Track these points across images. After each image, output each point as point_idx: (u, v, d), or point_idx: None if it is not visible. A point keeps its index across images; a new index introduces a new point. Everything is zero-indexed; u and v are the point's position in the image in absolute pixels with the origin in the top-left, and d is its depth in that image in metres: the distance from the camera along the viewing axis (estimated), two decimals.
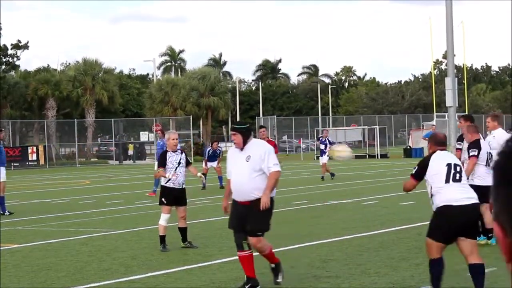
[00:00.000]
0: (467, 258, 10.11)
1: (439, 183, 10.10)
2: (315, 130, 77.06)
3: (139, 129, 78.44)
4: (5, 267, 13.43)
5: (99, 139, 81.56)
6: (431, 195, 10.28)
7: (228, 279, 12.32)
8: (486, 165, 15.26)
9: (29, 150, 61.63)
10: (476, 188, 15.07)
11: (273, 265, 11.63)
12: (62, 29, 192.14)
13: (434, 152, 10.51)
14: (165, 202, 15.39)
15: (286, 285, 11.73)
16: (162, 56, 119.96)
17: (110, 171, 52.86)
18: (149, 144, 72.96)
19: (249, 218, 11.10)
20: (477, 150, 14.95)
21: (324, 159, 35.91)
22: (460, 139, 16.08)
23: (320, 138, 38.07)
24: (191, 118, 72.37)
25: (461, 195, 10.09)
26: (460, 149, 15.82)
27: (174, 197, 15.49)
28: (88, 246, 16.66)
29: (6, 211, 22.85)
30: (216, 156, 33.28)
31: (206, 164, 33.30)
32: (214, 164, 33.14)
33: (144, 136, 75.76)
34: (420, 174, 10.38)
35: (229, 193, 11.62)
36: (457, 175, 10.11)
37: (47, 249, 16.14)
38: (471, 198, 10.18)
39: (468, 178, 14.92)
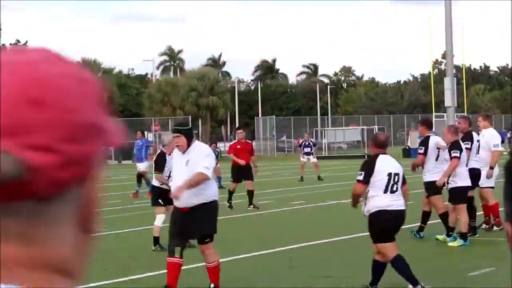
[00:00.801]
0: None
1: (377, 190, 10.67)
2: (314, 130, 77.05)
3: (138, 129, 78.48)
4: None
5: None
6: (365, 197, 10.80)
7: (227, 279, 12.28)
8: (466, 165, 15.46)
9: None
10: (457, 188, 15.25)
11: (212, 285, 10.99)
12: (61, 29, 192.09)
13: (377, 155, 10.94)
14: (162, 203, 15.36)
15: (285, 285, 11.71)
16: (161, 56, 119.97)
17: (109, 171, 52.70)
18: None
19: (192, 225, 10.65)
20: (459, 151, 15.17)
21: (309, 158, 36.59)
22: (466, 138, 16.07)
23: (303, 143, 38.08)
24: (190, 118, 72.28)
25: (393, 202, 10.75)
26: (469, 149, 15.85)
27: (168, 197, 15.48)
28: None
29: None
30: (215, 157, 33.23)
31: None
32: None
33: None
34: (368, 178, 10.72)
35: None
36: (395, 186, 10.76)
37: None
38: (401, 205, 10.83)
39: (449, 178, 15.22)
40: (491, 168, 16.15)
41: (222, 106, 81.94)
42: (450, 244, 15.22)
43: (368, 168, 10.80)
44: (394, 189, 10.72)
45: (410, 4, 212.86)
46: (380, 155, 10.95)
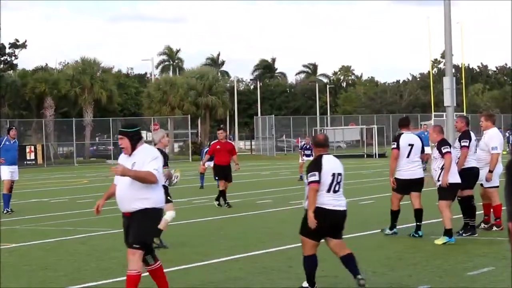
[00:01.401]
0: (338, 253, 11.06)
1: (320, 190, 10.90)
2: (313, 130, 76.92)
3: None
4: (3, 267, 13.37)
5: (97, 138, 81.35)
6: (307, 196, 10.98)
7: (225, 279, 12.30)
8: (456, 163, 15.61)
9: (27, 150, 61.45)
10: (456, 186, 15.43)
11: None
12: (60, 28, 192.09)
13: (321, 155, 11.18)
14: (171, 200, 15.51)
15: (284, 285, 11.71)
16: (160, 55, 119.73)
17: (108, 170, 52.69)
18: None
19: (130, 230, 10.13)
20: (449, 147, 15.43)
21: (309, 159, 36.70)
22: (463, 136, 16.13)
23: (304, 145, 38.12)
24: (189, 118, 72.25)
25: (334, 202, 10.98)
26: (467, 147, 15.92)
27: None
28: (86, 245, 16.63)
29: (8, 209, 22.90)
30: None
31: (203, 164, 33.23)
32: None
33: (142, 134, 75.60)
34: (319, 178, 10.93)
35: (108, 194, 10.56)
36: (337, 186, 11.06)
37: (45, 249, 16.13)
38: (342, 205, 11.07)
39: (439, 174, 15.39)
40: (490, 171, 16.13)
41: (221, 106, 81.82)
42: (436, 242, 15.28)
43: (319, 168, 10.99)
44: (337, 189, 11.03)
45: (409, 4, 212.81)
46: (324, 155, 11.18)
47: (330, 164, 11.14)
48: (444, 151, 15.24)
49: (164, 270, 11.68)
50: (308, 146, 37.73)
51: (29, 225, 20.13)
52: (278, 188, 30.97)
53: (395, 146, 16.24)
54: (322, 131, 75.60)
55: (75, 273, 13.02)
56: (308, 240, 11.07)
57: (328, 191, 10.98)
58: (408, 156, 16.15)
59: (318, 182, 10.88)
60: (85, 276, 12.67)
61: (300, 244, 15.75)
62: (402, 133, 16.45)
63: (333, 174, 11.03)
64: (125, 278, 11.66)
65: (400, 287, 11.15)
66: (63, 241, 17.29)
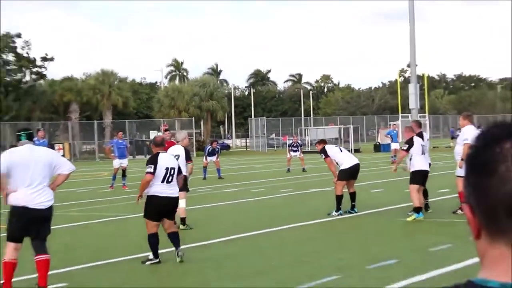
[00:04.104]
0: (167, 230, 11.67)
1: (157, 180, 11.62)
2: (298, 129, 77.09)
3: (149, 129, 78.20)
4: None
5: (115, 138, 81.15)
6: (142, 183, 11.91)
7: (225, 256, 12.35)
8: (422, 154, 15.91)
9: (56, 148, 61.36)
10: (413, 172, 15.83)
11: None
12: (85, 43, 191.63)
13: (158, 153, 11.89)
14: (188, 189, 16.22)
15: (277, 261, 11.76)
16: (168, 66, 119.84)
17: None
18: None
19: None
20: (408, 145, 15.97)
21: (295, 154, 36.87)
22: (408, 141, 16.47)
23: (292, 143, 38.23)
24: (193, 120, 72.23)
25: (168, 190, 11.69)
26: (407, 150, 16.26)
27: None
28: (108, 227, 16.71)
29: None
30: (214, 152, 33.38)
31: (206, 159, 33.40)
32: (213, 158, 33.22)
33: (153, 134, 75.57)
34: (155, 169, 11.63)
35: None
36: (170, 177, 11.74)
37: (73, 230, 16.17)
38: (174, 193, 11.80)
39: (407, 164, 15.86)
40: (462, 159, 16.16)
41: (220, 109, 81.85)
42: (407, 219, 15.51)
43: (155, 162, 11.69)
44: (170, 180, 11.72)
45: (380, 23, 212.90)
46: (160, 153, 11.92)
47: (165, 160, 11.81)
48: (402, 148, 16.13)
49: (173, 248, 11.72)
50: (294, 144, 37.84)
51: (58, 212, 20.15)
52: (269, 179, 31.05)
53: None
54: (306, 130, 75.76)
55: (100, 250, 13.08)
56: (150, 221, 11.65)
57: (162, 181, 11.65)
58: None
59: (152, 174, 11.56)
60: (107, 254, 12.71)
61: (291, 226, 15.89)
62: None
63: (167, 168, 11.70)
64: (139, 255, 11.75)
65: (375, 261, 11.22)
66: (88, 224, 17.35)
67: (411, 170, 15.88)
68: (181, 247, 11.77)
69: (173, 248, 11.71)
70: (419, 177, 15.75)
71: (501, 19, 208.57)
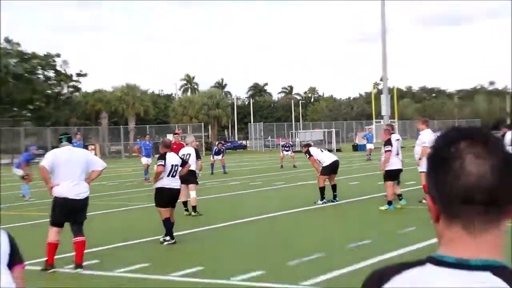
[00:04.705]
0: (171, 217, 11.70)
1: (164, 174, 11.80)
2: (290, 133, 76.96)
3: (166, 133, 78.18)
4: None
5: (137, 140, 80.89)
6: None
7: (226, 236, 12.37)
8: (396, 155, 15.69)
9: (89, 148, 61.11)
10: (389, 171, 15.57)
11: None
12: (112, 60, 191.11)
13: (165, 152, 12.09)
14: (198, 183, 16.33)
15: (271, 240, 11.74)
16: (181, 80, 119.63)
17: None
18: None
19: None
20: (390, 146, 15.47)
21: (287, 153, 36.88)
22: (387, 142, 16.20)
23: (284, 144, 38.29)
24: (202, 125, 72.12)
25: (172, 183, 11.83)
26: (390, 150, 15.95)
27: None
28: (133, 214, 16.71)
29: None
30: (220, 152, 33.37)
31: (213, 157, 33.38)
32: (219, 157, 33.20)
33: (169, 137, 75.35)
34: (165, 163, 11.86)
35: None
36: (174, 172, 11.92)
37: (103, 216, 16.17)
38: (177, 185, 11.96)
39: (384, 165, 15.54)
40: (420, 159, 15.95)
41: (225, 116, 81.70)
42: (380, 208, 15.47)
43: (164, 159, 11.90)
44: (174, 174, 11.90)
45: (357, 43, 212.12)
46: (168, 153, 12.11)
47: (171, 158, 11.98)
48: (386, 149, 15.51)
49: (187, 231, 11.75)
50: (286, 145, 37.84)
51: (92, 201, 20.08)
52: (265, 174, 31.03)
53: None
54: (296, 133, 75.61)
55: (126, 233, 13.09)
56: (161, 209, 11.75)
57: (168, 175, 11.79)
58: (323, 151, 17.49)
59: (163, 166, 11.75)
60: (135, 236, 12.72)
61: (283, 212, 15.87)
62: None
63: (172, 165, 11.89)
64: (159, 237, 11.72)
65: (353, 241, 11.23)
66: (116, 211, 17.34)
67: (387, 169, 15.56)
68: (189, 231, 11.75)
69: (186, 231, 11.73)
70: (394, 175, 15.62)
71: (458, 40, 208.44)
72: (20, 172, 21.61)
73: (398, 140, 16.14)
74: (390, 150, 15.40)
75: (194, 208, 15.61)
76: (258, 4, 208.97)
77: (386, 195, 15.89)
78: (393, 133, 16.43)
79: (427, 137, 15.98)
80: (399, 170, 15.73)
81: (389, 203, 15.45)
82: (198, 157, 15.91)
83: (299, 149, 62.64)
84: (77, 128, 61.51)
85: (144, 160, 28.68)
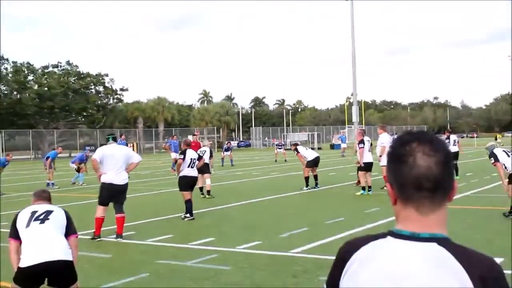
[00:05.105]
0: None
1: (185, 166, 11.69)
2: (282, 135, 77.00)
3: (187, 134, 78.15)
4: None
5: (167, 139, 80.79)
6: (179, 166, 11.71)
7: (233, 214, 12.32)
8: (368, 151, 15.55)
9: (129, 145, 61.20)
10: (365, 163, 15.37)
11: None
12: (147, 76, 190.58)
13: (186, 149, 11.95)
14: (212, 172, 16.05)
15: (265, 218, 11.68)
16: (199, 94, 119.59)
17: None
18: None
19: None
20: (363, 144, 15.31)
21: (280, 150, 36.80)
22: (361, 142, 16.02)
23: (278, 143, 38.37)
24: (215, 128, 72.26)
25: (191, 172, 11.70)
26: (363, 147, 15.77)
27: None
28: (161, 196, 16.66)
29: None
30: (229, 149, 33.38)
31: (223, 153, 33.38)
32: (228, 153, 33.19)
33: (190, 137, 75.03)
34: (184, 157, 11.75)
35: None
36: (193, 164, 11.72)
37: (138, 198, 16.09)
38: (195, 174, 11.77)
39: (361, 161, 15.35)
40: (380, 156, 15.82)
41: (232, 122, 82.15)
42: (356, 193, 15.33)
43: (185, 154, 11.80)
44: (192, 166, 11.79)
45: (335, 65, 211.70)
46: (187, 149, 12.02)
47: (190, 153, 11.88)
48: (359, 147, 15.42)
49: (202, 210, 11.64)
50: (279, 144, 37.89)
51: (130, 186, 19.91)
52: (263, 166, 31.00)
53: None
54: (287, 135, 75.64)
55: (156, 211, 13.01)
56: (184, 192, 11.58)
57: (188, 166, 11.68)
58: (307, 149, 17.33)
59: (183, 159, 11.64)
60: (162, 213, 12.68)
61: (276, 196, 15.79)
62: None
63: (191, 159, 11.73)
64: (181, 214, 11.60)
65: (331, 219, 11.18)
66: (148, 194, 17.30)
67: (362, 162, 15.40)
68: (204, 210, 11.68)
69: (202, 210, 11.69)
70: (367, 167, 15.52)
71: (410, 65, 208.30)
72: (74, 166, 22.45)
73: (368, 140, 16.10)
74: (363, 147, 15.38)
75: (208, 192, 15.59)
76: (259, 35, 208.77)
77: (356, 183, 15.82)
78: (365, 135, 16.39)
79: (385, 139, 15.95)
80: (371, 163, 15.64)
81: (363, 189, 15.31)
82: (211, 156, 16.12)
83: (289, 147, 62.62)
84: (119, 130, 61.59)
85: (173, 155, 28.59)
